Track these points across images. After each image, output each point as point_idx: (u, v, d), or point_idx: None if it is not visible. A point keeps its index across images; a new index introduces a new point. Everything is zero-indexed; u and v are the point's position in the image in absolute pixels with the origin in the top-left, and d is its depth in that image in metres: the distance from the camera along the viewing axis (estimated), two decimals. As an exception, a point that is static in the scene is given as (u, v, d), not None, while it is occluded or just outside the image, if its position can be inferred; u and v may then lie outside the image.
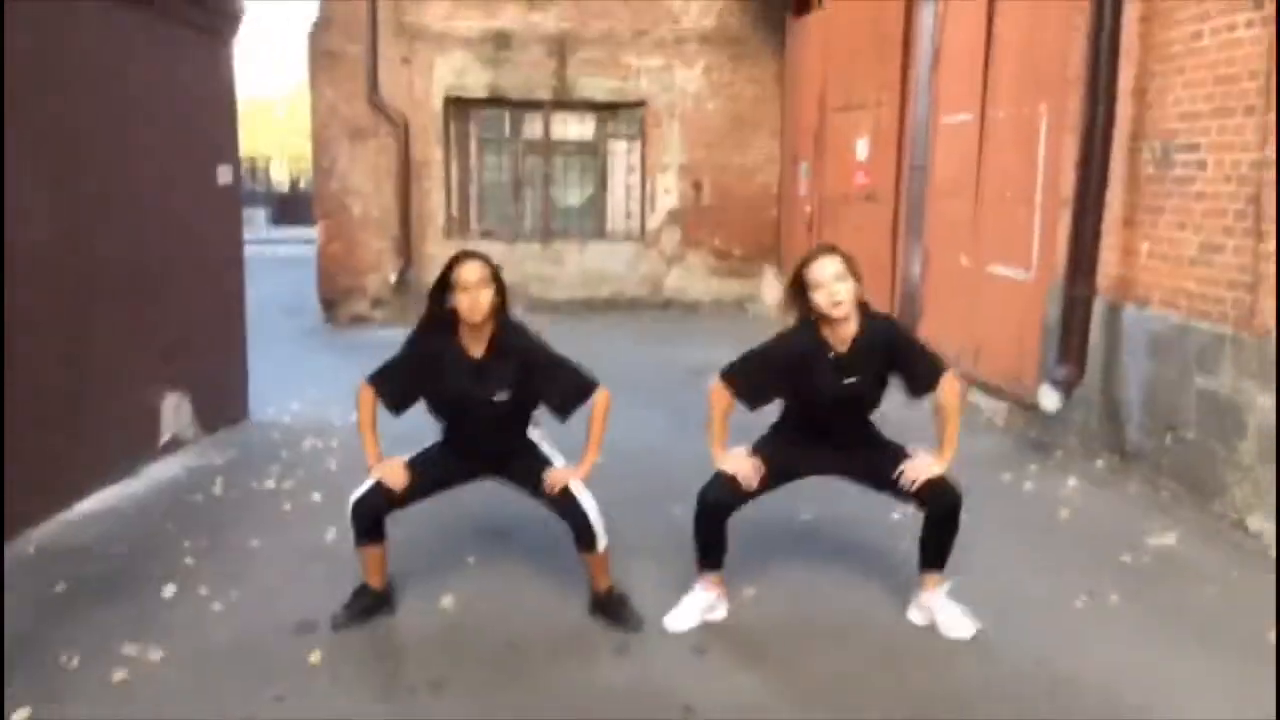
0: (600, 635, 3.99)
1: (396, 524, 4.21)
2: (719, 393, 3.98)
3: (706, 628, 4.04)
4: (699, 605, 4.07)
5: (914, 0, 9.39)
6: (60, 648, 3.80)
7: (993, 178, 7.83)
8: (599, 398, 4.05)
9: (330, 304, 13.12)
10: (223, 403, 7.38)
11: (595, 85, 13.08)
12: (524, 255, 13.27)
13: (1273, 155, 4.87)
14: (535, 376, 4.00)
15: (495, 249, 13.18)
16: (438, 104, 12.94)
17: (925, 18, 9.08)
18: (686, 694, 3.53)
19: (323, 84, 12.78)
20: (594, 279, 13.34)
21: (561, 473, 4.02)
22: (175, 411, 6.66)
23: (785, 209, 13.25)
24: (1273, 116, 4.85)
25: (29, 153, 5.10)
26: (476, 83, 12.97)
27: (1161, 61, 5.80)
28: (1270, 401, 4.88)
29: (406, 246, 13.02)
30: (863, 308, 3.84)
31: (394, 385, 4.03)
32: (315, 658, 3.77)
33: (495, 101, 13.14)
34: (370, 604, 4.11)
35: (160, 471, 6.17)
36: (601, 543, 4.02)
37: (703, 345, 10.92)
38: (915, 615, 4.08)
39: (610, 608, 4.09)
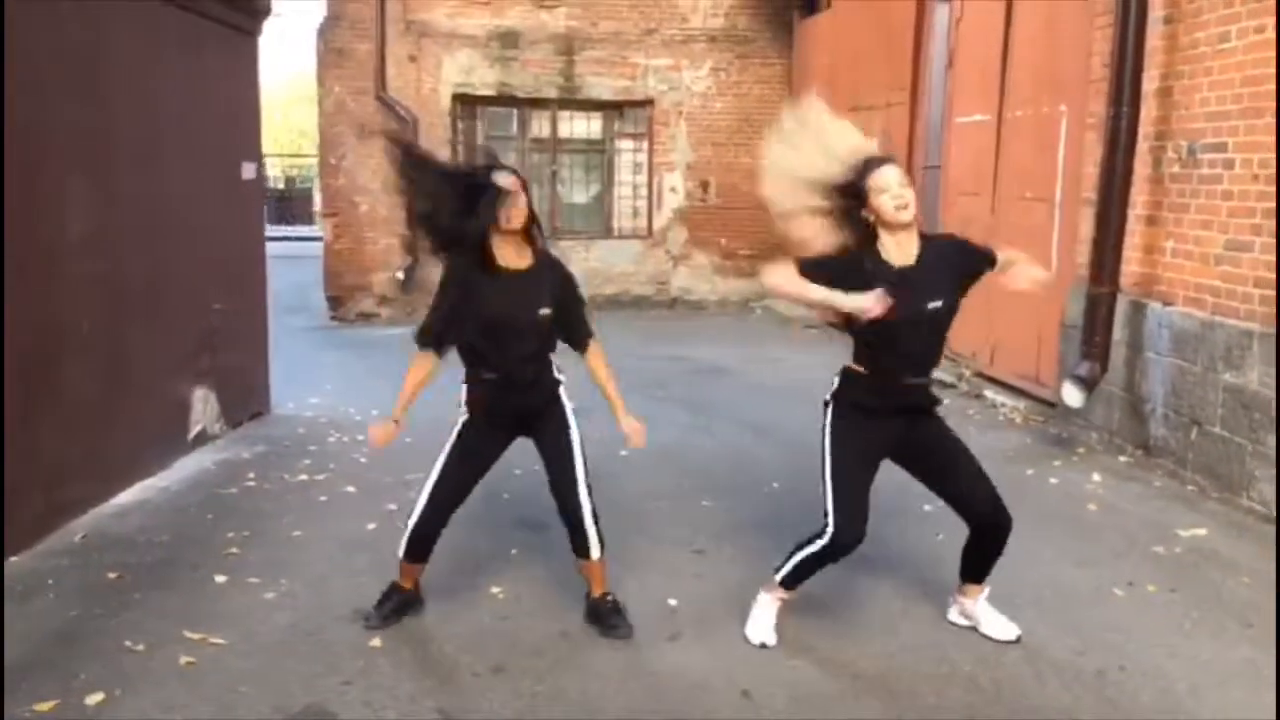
0: (652, 623, 4.04)
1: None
2: (785, 267, 3.54)
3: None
4: (773, 615, 3.93)
5: (925, 2, 9.48)
6: (124, 633, 3.85)
7: (1011, 177, 7.92)
8: (597, 349, 4.02)
9: (337, 301, 13.14)
10: (246, 398, 7.42)
11: (602, 84, 13.14)
12: (531, 253, 13.29)
13: (1303, 154, 4.96)
14: (563, 298, 3.87)
15: (502, 247, 13.26)
16: (445, 102, 12.98)
17: (939, 20, 9.17)
18: (743, 679, 3.58)
19: (331, 81, 12.81)
20: (600, 277, 13.37)
21: (638, 427, 4.02)
22: (203, 406, 6.69)
23: (792, 208, 13.30)
24: (1304, 116, 4.93)
25: (68, 153, 5.12)
26: (484, 81, 13.02)
27: (1187, 62, 5.89)
28: (1300, 396, 4.98)
29: (413, 245, 12.95)
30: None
31: (449, 329, 3.82)
32: (376, 643, 3.82)
33: (503, 100, 13.20)
34: (401, 603, 4.06)
35: (190, 465, 6.20)
36: (595, 551, 3.93)
37: (712, 344, 11.02)
38: (956, 618, 4.06)
39: (603, 615, 3.98)
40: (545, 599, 4.26)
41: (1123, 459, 6.32)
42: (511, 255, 3.76)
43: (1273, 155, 5.21)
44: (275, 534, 5.03)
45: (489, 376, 3.87)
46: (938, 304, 3.56)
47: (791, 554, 3.79)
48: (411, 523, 3.94)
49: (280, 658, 3.72)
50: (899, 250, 3.53)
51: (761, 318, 13.05)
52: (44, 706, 3.32)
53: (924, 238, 3.61)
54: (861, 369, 3.66)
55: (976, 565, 3.92)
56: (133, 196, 5.76)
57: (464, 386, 3.97)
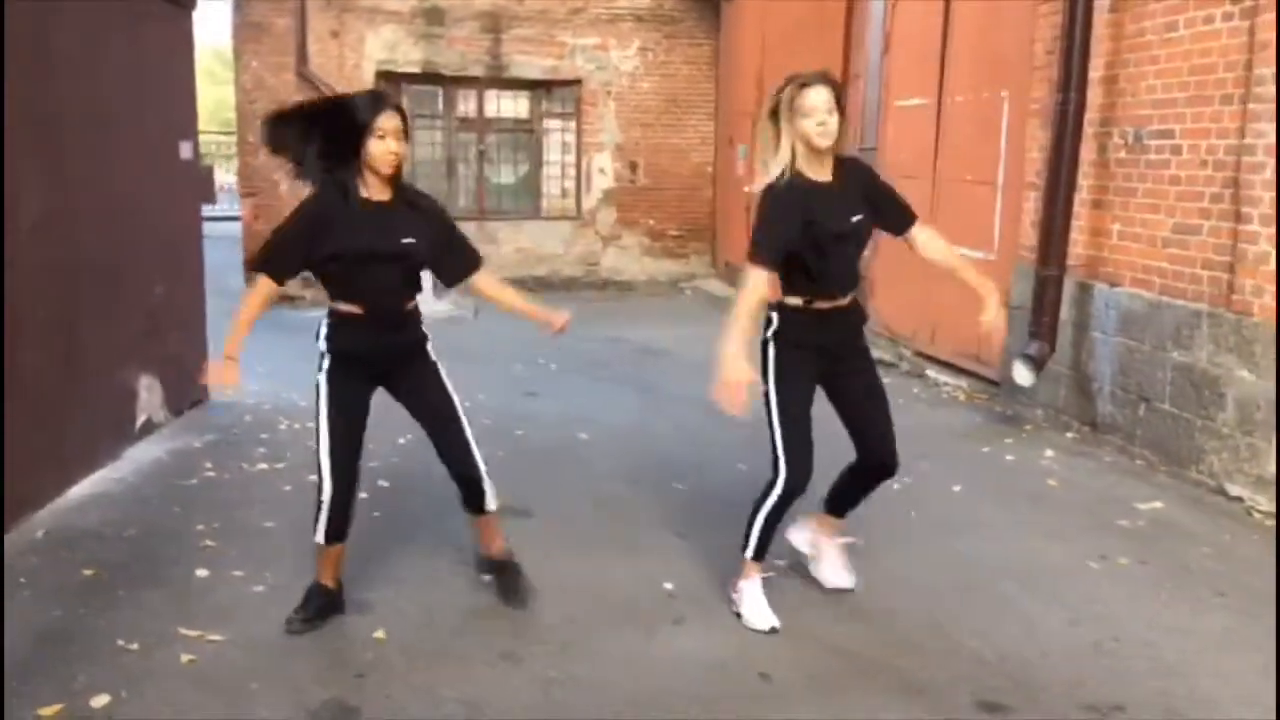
0: (652, 608, 4.07)
1: (409, 499, 4.20)
2: (757, 278, 3.61)
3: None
4: (763, 595, 3.97)
5: (858, -14, 9.61)
6: (115, 632, 3.73)
7: (951, 161, 8.09)
8: (487, 275, 4.00)
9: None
10: (187, 384, 7.19)
11: (530, 63, 13.03)
12: (458, 234, 13.15)
13: (1252, 142, 5.16)
14: (436, 232, 3.81)
15: (429, 227, 13.08)
16: (369, 79, 12.70)
17: (875, 6, 9.30)
18: (758, 662, 3.63)
19: (248, 56, 12.47)
20: (530, 258, 13.31)
21: (563, 314, 4.06)
22: (149, 394, 6.48)
23: (721, 190, 13.41)
24: (1255, 106, 5.13)
25: (19, 136, 4.89)
26: (408, 58, 12.80)
27: (1133, 50, 6.09)
28: (1250, 374, 5.20)
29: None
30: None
31: (288, 258, 3.71)
32: (380, 634, 3.77)
33: (428, 77, 12.98)
34: (326, 604, 3.91)
35: (141, 455, 6.00)
36: (492, 502, 3.99)
37: (645, 325, 11.05)
38: (800, 544, 4.25)
39: (505, 576, 4.09)
40: (538, 582, 4.23)
41: (1070, 435, 6.54)
42: (376, 189, 3.67)
43: (1221, 142, 5.42)
44: (247, 525, 4.91)
45: (350, 310, 3.74)
46: (859, 218, 3.73)
47: (751, 523, 3.88)
48: (325, 499, 3.80)
49: (285, 653, 3.65)
50: (816, 171, 3.66)
51: (692, 298, 13.12)
52: (49, 711, 3.21)
53: (838, 160, 3.74)
54: (798, 300, 3.75)
55: (848, 499, 4.13)
56: (81, 179, 5.54)
57: (324, 324, 3.81)
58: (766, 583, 4.01)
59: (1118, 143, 6.23)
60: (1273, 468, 5.08)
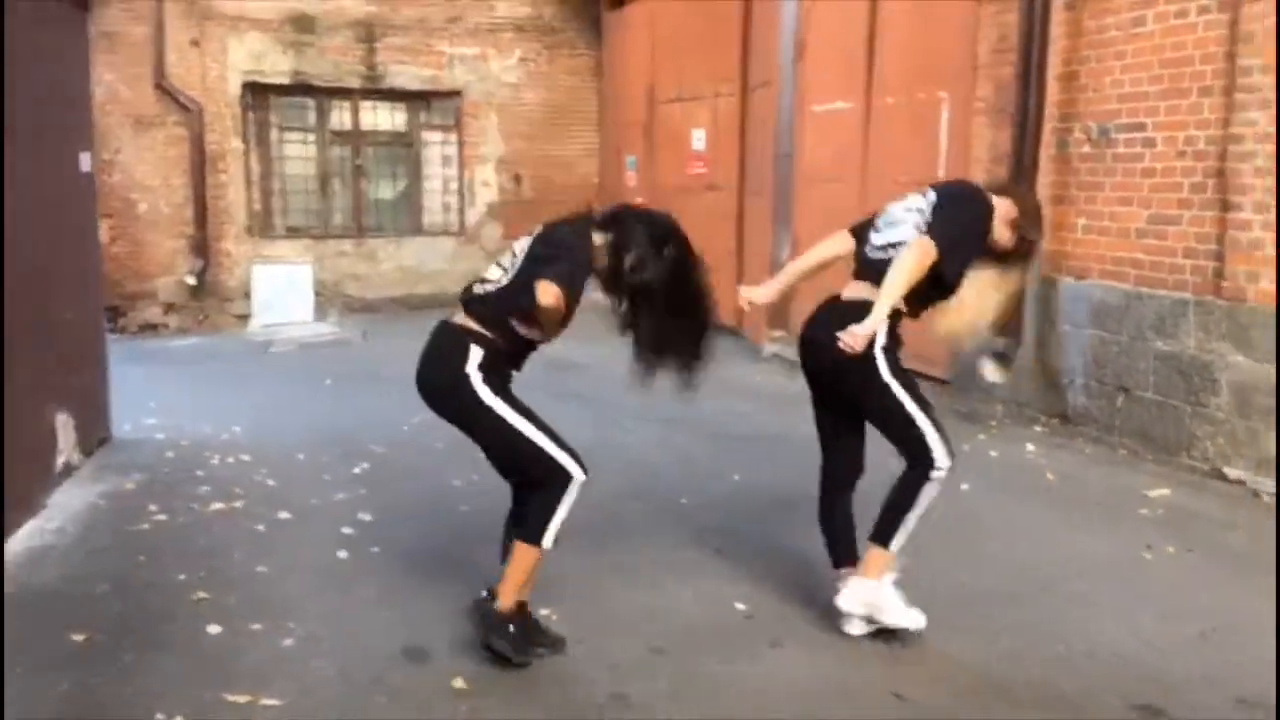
0: (737, 631, 3.77)
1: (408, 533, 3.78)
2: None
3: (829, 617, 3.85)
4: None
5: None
6: (146, 704, 3.18)
7: (883, 163, 8.07)
8: None
9: (115, 311, 11.77)
10: (94, 422, 6.44)
11: (407, 73, 12.47)
12: (335, 253, 12.49)
13: (1240, 131, 5.27)
14: None
15: (304, 247, 12.36)
16: (234, 90, 11.92)
17: (786, 12, 9.25)
18: (886, 683, 3.37)
19: (101, 68, 11.41)
20: (412, 276, 12.71)
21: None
22: (64, 433, 5.74)
23: (608, 201, 13.14)
24: (1242, 95, 5.24)
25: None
26: (276, 68, 12.06)
27: (1093, 47, 6.17)
28: (1246, 359, 5.30)
29: (204, 246, 11.90)
30: None
31: None
32: (460, 684, 3.34)
33: (298, 89, 12.26)
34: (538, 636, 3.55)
35: (70, 502, 5.27)
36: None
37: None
38: (854, 607, 3.67)
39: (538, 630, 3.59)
40: (610, 616, 3.87)
41: (1037, 429, 6.56)
42: None
43: (1201, 133, 5.53)
44: (235, 572, 4.35)
45: (529, 337, 3.47)
46: None
47: (902, 516, 3.57)
48: (571, 467, 3.37)
49: (363, 712, 3.17)
50: None
51: (587, 313, 12.77)
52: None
53: None
54: (901, 309, 3.56)
55: (849, 526, 3.89)
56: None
57: (479, 350, 3.39)
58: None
59: (1079, 138, 6.30)
60: (1275, 448, 5.17)
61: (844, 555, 3.80)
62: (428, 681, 3.37)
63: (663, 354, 3.44)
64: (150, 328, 11.89)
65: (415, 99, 12.68)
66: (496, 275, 3.45)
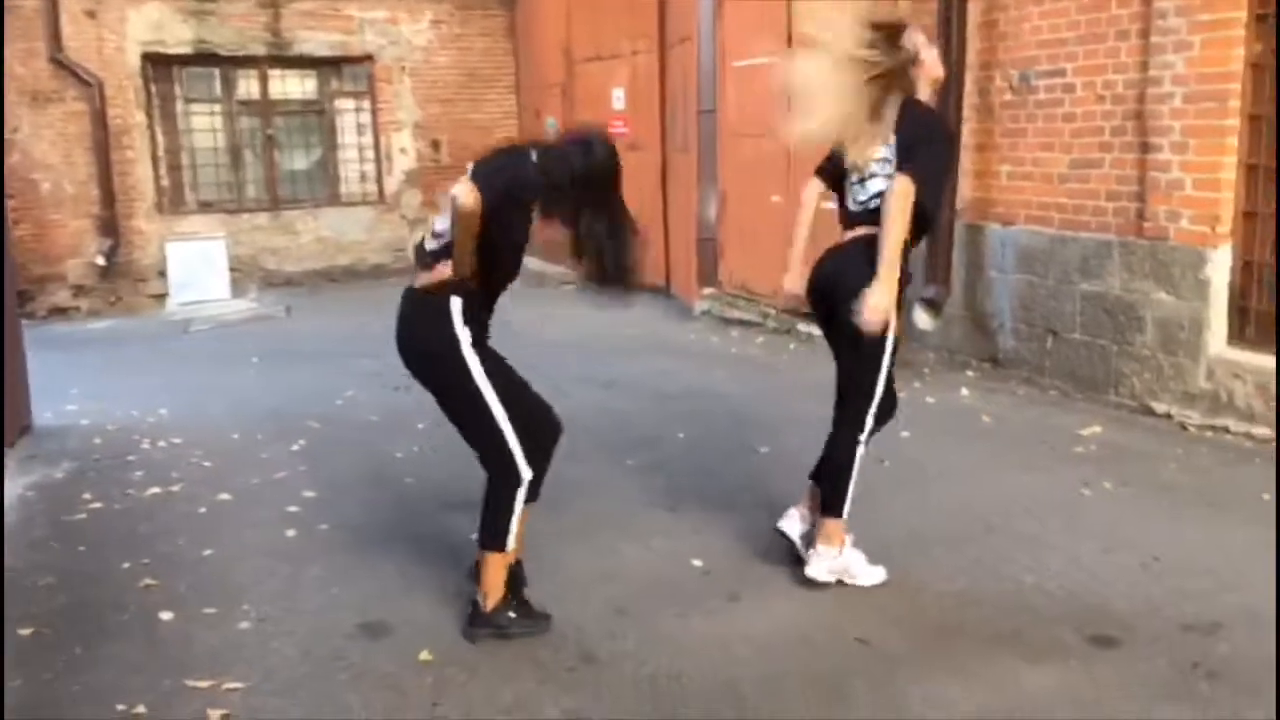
0: (696, 587, 3.80)
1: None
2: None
3: (774, 571, 3.91)
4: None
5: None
6: (104, 696, 3.10)
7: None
8: None
9: (22, 296, 11.34)
10: (14, 410, 6.23)
11: (315, 39, 12.16)
12: (251, 227, 12.20)
13: (1158, 74, 5.38)
14: None
15: (217, 221, 12.04)
16: (134, 62, 11.52)
17: (703, -32, 9.20)
18: (848, 629, 3.42)
19: (-10, 41, 10.97)
20: (331, 248, 12.49)
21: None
22: (-17, 422, 5.55)
23: (529, 164, 13.02)
24: (1158, 39, 5.34)
25: None
26: (177, 38, 11.67)
27: (1012, -6, 6.25)
28: (1170, 297, 5.45)
29: (113, 224, 11.53)
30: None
31: None
32: (426, 655, 3.31)
33: (202, 59, 11.88)
34: (519, 582, 3.56)
35: (-2, 493, 5.12)
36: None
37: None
38: (795, 532, 3.89)
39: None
40: (570, 580, 3.87)
41: (970, 374, 6.69)
42: None
43: (1119, 77, 5.64)
44: (181, 557, 4.25)
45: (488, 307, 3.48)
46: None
47: (838, 482, 3.66)
48: (523, 467, 3.34)
49: (330, 691, 3.14)
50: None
51: (524, 277, 12.67)
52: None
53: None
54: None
55: None
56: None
57: (458, 300, 3.31)
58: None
59: (1000, 86, 6.39)
60: (1200, 382, 5.34)
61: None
62: (393, 656, 3.34)
63: (605, 262, 3.37)
64: (60, 312, 11.51)
65: (325, 66, 12.38)
66: (443, 226, 3.37)
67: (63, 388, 7.54)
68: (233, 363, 8.41)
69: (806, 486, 3.89)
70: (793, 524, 3.92)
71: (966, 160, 6.61)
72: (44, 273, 11.43)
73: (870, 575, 3.72)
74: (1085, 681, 3.07)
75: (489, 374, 3.33)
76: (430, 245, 3.38)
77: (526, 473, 3.35)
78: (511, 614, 3.43)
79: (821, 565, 3.68)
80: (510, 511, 3.36)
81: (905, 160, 3.47)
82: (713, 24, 9.21)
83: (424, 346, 3.37)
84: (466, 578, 3.65)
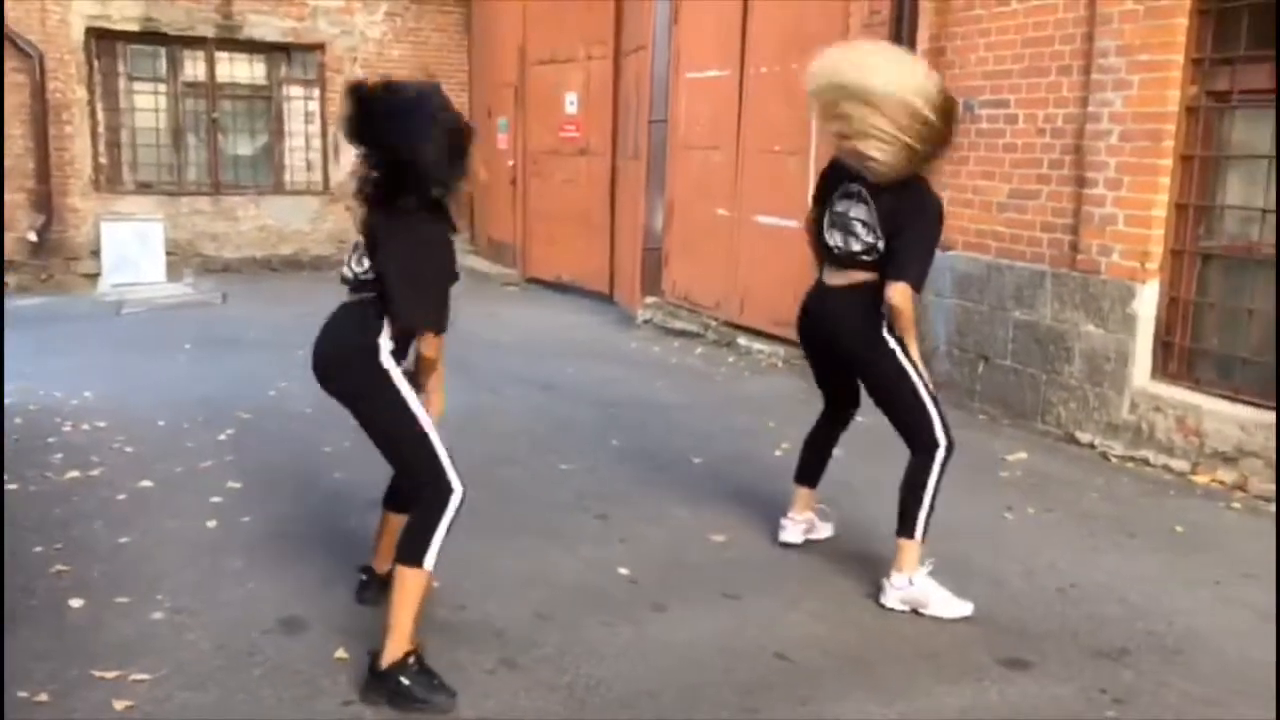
0: (623, 595, 3.80)
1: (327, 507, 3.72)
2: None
3: (709, 578, 3.95)
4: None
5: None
6: (8, 684, 3.01)
7: (757, 132, 8.16)
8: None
9: (-52, 269, 11.10)
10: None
11: (266, 24, 12.04)
12: (190, 210, 12.02)
13: (1096, 110, 5.50)
14: None
15: (156, 203, 11.84)
16: (78, 36, 11.30)
17: (660, -24, 9.24)
18: (768, 644, 3.44)
19: (-72, 6, 10.70)
20: (273, 236, 12.33)
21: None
22: (-101, 395, 5.39)
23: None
24: (1099, 76, 5.46)
25: None
26: (124, 14, 11.49)
27: (960, 24, 6.34)
28: (1098, 329, 5.57)
29: (47, 201, 11.29)
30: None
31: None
32: (342, 654, 3.27)
33: (148, 36, 11.69)
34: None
35: (-91, 470, 4.98)
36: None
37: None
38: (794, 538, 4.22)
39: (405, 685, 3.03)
40: (495, 583, 3.85)
41: (903, 395, 6.76)
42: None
43: (1060, 111, 5.75)
44: (96, 543, 4.16)
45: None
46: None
47: (916, 503, 3.70)
48: (453, 479, 3.10)
49: (241, 685, 3.08)
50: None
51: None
52: (-22, 793, 2.53)
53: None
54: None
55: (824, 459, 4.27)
56: None
57: (388, 340, 3.13)
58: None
59: (946, 112, 6.47)
60: (1124, 414, 5.46)
61: (808, 476, 4.20)
62: (308, 653, 3.29)
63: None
64: (-14, 286, 11.22)
65: (275, 51, 12.26)
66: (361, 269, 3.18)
67: (-15, 365, 7.33)
68: (164, 348, 8.26)
69: (795, 491, 4.21)
70: (792, 533, 4.16)
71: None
72: (-28, 247, 11.15)
73: (947, 608, 3.63)
74: (999, 703, 3.12)
75: (410, 384, 3.16)
76: (355, 274, 3.20)
77: (459, 487, 3.09)
78: (416, 670, 3.03)
79: (894, 595, 3.70)
80: (438, 526, 3.06)
81: (900, 254, 3.54)
82: (668, 34, 9.24)
83: (339, 350, 3.18)
84: (357, 595, 3.60)
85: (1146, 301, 5.38)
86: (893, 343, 3.67)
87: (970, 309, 6.34)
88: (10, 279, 11.34)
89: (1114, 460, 5.46)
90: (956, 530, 4.45)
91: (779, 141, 7.96)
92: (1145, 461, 5.34)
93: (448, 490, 3.09)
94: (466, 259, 12.98)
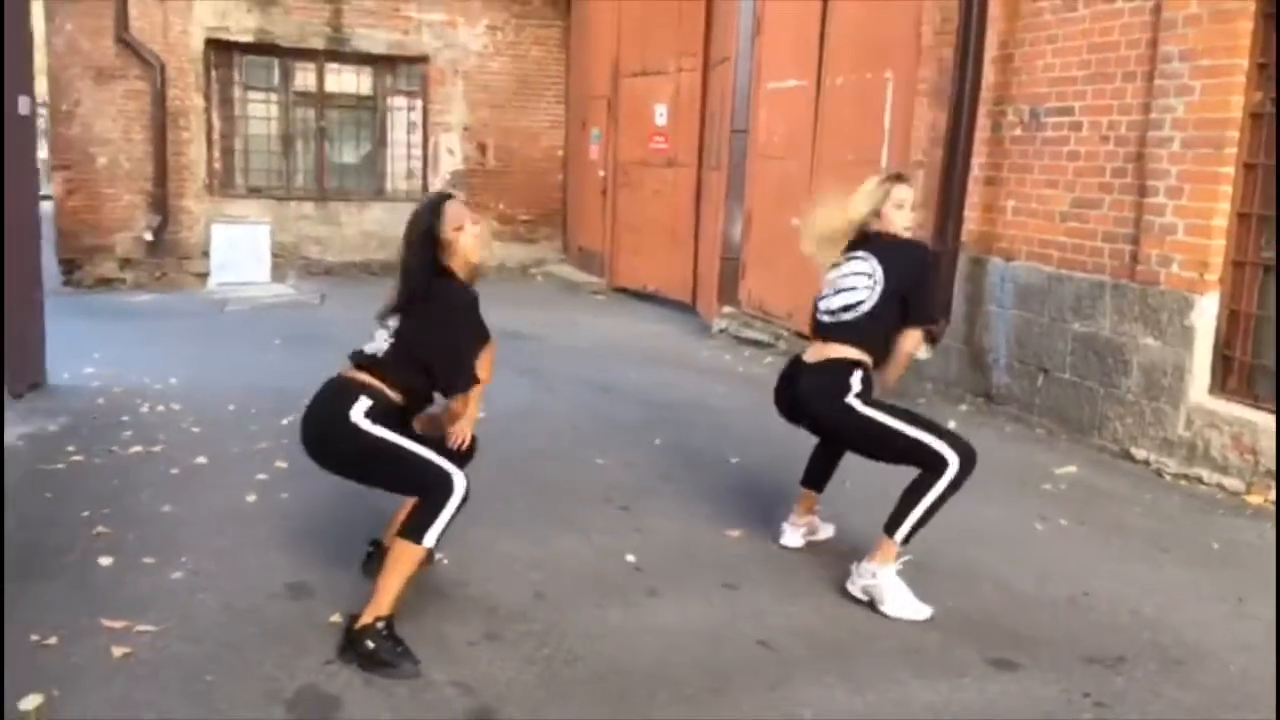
0: (624, 581, 3.85)
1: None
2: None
3: (709, 570, 3.98)
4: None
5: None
6: (23, 627, 3.22)
7: (831, 141, 8.13)
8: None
9: (71, 265, 11.78)
10: (24, 366, 6.47)
11: (373, 37, 12.44)
12: (297, 215, 12.48)
13: (1159, 117, 5.35)
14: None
15: (264, 207, 12.34)
16: (197, 46, 11.87)
17: (744, -10, 9.29)
18: (753, 632, 3.45)
19: (61, 18, 11.41)
20: (373, 241, 12.70)
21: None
22: (-10, 374, 5.77)
23: (572, 174, 13.19)
24: (1161, 82, 5.32)
25: None
26: (241, 26, 12.01)
27: (1028, 30, 6.24)
28: (1156, 341, 5.40)
29: (163, 202, 11.87)
30: None
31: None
32: (336, 619, 3.40)
33: (263, 48, 12.22)
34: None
35: (-12, 441, 5.32)
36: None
37: (503, 310, 10.53)
38: (795, 542, 4.24)
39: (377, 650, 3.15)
40: (502, 563, 3.95)
41: (963, 408, 6.66)
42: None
43: (1123, 118, 5.61)
44: (140, 511, 4.40)
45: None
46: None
47: (910, 505, 3.65)
48: (453, 472, 3.22)
49: (235, 641, 3.24)
50: None
51: (544, 284, 12.84)
52: (-29, 717, 2.72)
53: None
54: (873, 360, 3.86)
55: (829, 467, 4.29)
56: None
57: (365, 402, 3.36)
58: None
59: (1012, 120, 6.38)
60: (1179, 430, 5.27)
61: (814, 480, 4.25)
62: (305, 616, 3.44)
63: None
64: (106, 282, 11.86)
65: (381, 63, 12.66)
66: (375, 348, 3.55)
67: (88, 351, 7.79)
68: (256, 343, 8.63)
69: (799, 494, 4.26)
70: (792, 537, 4.20)
71: (974, 194, 6.59)
72: (94, 244, 11.80)
73: (902, 607, 3.62)
74: (974, 700, 3.07)
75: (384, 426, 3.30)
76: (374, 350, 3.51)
77: (460, 480, 3.18)
78: (384, 636, 3.14)
79: (858, 583, 3.71)
80: (442, 511, 3.15)
81: (913, 305, 3.89)
82: (751, 45, 9.28)
83: (325, 432, 3.36)
84: (363, 566, 3.71)
85: (1205, 314, 5.20)
86: (857, 402, 3.70)
87: (1031, 320, 6.21)
88: (127, 275, 11.97)
89: (1167, 478, 5.28)
90: (978, 534, 4.40)
91: (853, 151, 7.92)
92: (1199, 480, 5.15)
93: (448, 481, 3.19)
94: (558, 267, 13.22)
